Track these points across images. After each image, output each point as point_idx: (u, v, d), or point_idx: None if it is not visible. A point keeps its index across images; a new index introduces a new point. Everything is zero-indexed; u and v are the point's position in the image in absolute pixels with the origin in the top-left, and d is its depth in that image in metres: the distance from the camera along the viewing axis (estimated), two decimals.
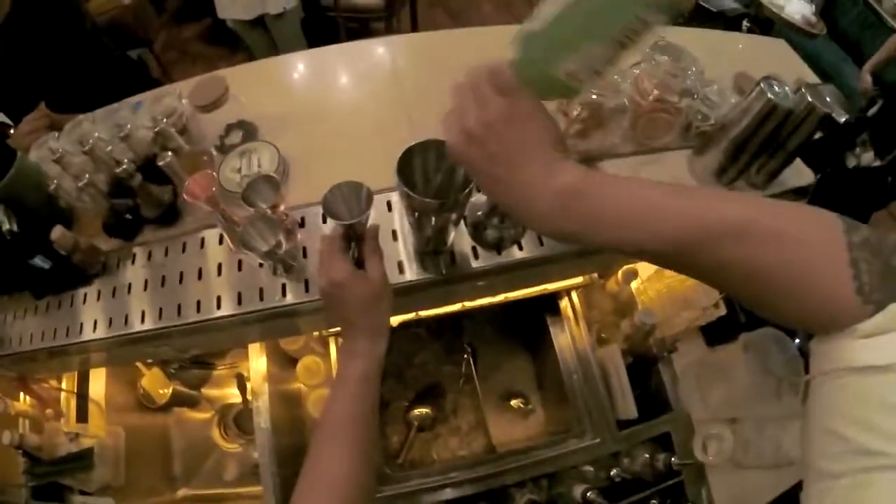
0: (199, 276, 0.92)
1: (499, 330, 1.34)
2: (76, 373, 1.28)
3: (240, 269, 0.92)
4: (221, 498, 1.32)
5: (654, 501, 1.10)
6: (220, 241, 0.95)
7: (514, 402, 1.28)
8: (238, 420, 1.29)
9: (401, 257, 0.90)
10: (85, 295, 0.97)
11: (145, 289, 0.94)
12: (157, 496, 1.29)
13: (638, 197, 0.45)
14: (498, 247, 0.92)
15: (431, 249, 0.90)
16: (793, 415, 1.12)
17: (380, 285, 0.67)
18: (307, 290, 0.88)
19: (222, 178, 0.96)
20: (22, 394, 1.22)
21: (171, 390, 1.32)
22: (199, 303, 0.90)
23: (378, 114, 1.10)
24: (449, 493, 1.07)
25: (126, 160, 0.92)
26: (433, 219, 0.76)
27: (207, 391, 1.43)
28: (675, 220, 0.43)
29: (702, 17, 2.44)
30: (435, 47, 1.28)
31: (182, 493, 1.35)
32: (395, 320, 1.17)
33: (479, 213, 0.91)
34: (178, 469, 1.38)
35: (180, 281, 0.93)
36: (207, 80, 0.99)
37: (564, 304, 1.23)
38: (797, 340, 1.12)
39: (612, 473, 1.11)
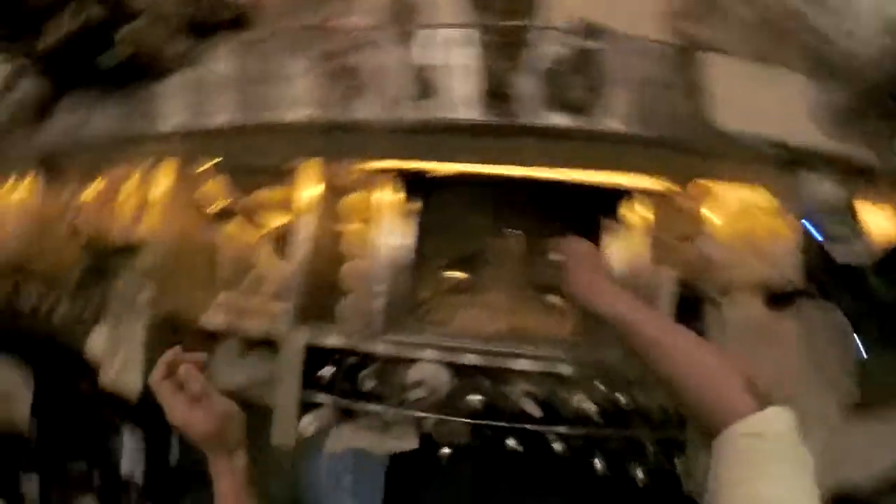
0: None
1: (552, 218, 1.29)
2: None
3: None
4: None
5: (651, 448, 1.09)
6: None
7: (551, 298, 1.27)
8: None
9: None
10: None
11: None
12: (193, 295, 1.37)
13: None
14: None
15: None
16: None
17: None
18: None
19: None
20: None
21: (228, 200, 1.39)
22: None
23: None
24: (452, 356, 1.11)
25: None
26: None
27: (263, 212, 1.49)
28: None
29: None
30: None
31: (221, 297, 1.46)
32: (454, 169, 1.16)
33: None
34: (221, 275, 1.49)
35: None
36: None
37: (628, 208, 1.17)
38: None
39: (621, 399, 1.08)
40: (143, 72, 1.00)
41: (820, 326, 1.05)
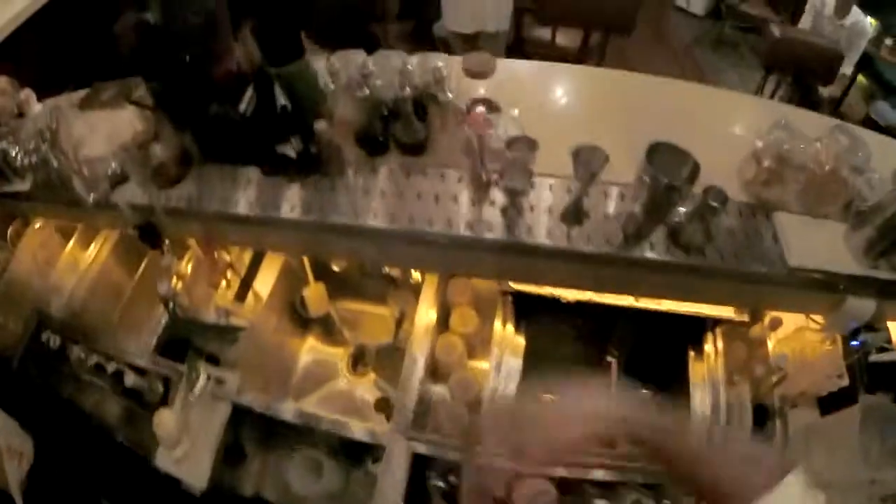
0: (436, 201, 1.08)
1: (644, 344, 1.42)
2: (248, 261, 1.45)
3: (473, 204, 1.07)
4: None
5: None
6: (459, 179, 1.11)
7: None
8: (379, 356, 1.40)
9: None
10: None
11: (383, 196, 1.12)
12: (266, 395, 1.36)
13: None
14: (687, 248, 1.06)
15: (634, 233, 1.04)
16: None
17: None
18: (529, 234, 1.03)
19: None
20: (187, 257, 1.40)
21: (326, 310, 1.45)
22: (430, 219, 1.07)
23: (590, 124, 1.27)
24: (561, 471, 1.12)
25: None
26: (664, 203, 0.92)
27: (347, 327, 1.55)
28: None
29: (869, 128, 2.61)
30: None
31: (289, 405, 1.44)
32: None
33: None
34: (295, 382, 1.48)
35: (418, 198, 1.10)
36: (481, 55, 1.20)
37: (709, 336, 1.33)
38: None
39: None
40: (317, 165, 1.15)
41: (872, 418, 1.16)
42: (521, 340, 1.30)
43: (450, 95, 1.15)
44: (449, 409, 1.23)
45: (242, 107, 1.12)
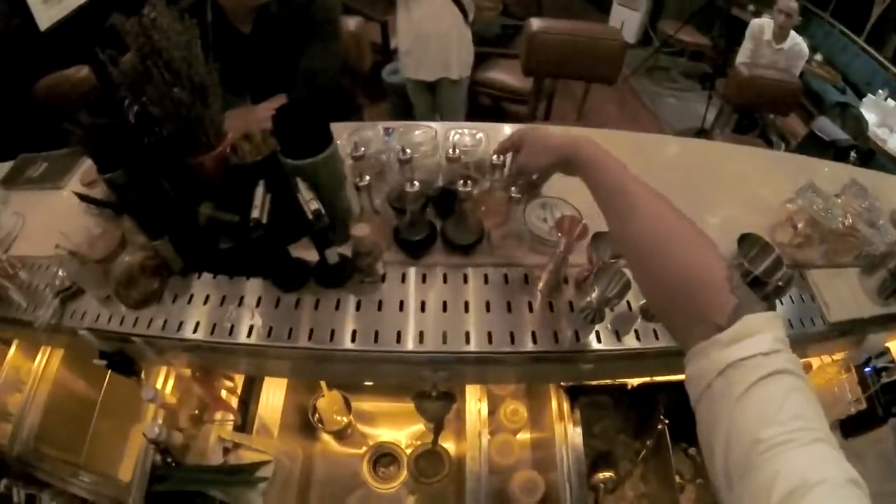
0: (509, 309, 0.94)
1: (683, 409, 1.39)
2: (243, 380, 1.19)
3: (551, 309, 0.95)
4: None
5: None
6: (526, 280, 0.97)
7: (676, 478, 1.33)
8: (419, 460, 1.23)
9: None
10: (337, 301, 0.97)
11: (423, 310, 0.95)
12: None
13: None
14: None
15: None
16: None
17: None
18: (619, 339, 0.94)
19: (528, 223, 1.01)
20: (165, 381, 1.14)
21: (349, 419, 1.25)
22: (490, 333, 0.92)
23: None
24: None
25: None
26: None
27: (359, 425, 1.36)
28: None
29: (814, 145, 2.83)
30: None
31: None
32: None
33: None
34: (313, 499, 1.28)
35: (465, 310, 0.95)
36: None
37: None
38: None
39: None
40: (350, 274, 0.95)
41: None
42: (578, 429, 1.21)
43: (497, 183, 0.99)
44: None
45: (256, 213, 0.88)
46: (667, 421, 1.31)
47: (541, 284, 0.96)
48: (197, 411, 1.14)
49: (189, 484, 1.04)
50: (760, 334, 0.48)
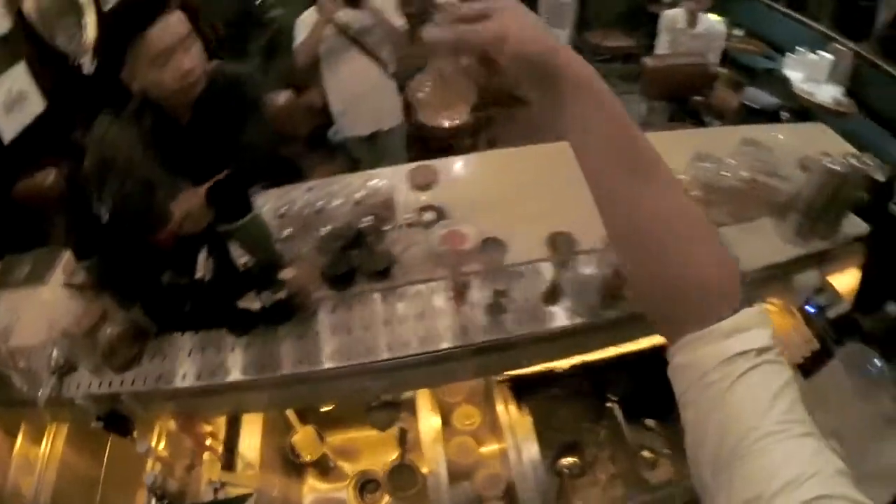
0: (421, 318, 1.10)
1: (627, 388, 1.47)
2: (224, 422, 1.35)
3: (458, 310, 1.09)
4: None
5: None
6: (434, 291, 1.13)
7: (644, 454, 1.39)
8: (392, 477, 1.34)
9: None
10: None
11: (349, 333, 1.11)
12: None
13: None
14: None
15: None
16: (891, 421, 1.25)
17: None
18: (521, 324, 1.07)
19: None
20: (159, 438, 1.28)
21: (322, 452, 1.38)
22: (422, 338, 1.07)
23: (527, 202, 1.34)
24: None
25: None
26: None
27: (340, 461, 1.49)
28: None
29: (746, 114, 2.93)
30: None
31: None
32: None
33: None
34: None
35: (401, 323, 1.11)
36: (424, 168, 1.25)
37: None
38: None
39: None
40: (290, 313, 1.11)
41: (852, 363, 1.28)
42: (528, 419, 1.31)
43: (407, 216, 1.18)
44: None
45: (200, 273, 1.07)
46: (615, 398, 1.40)
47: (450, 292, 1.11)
48: (189, 461, 1.29)
49: None
50: (758, 329, 0.48)
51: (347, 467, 1.51)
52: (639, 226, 0.53)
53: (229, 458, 1.30)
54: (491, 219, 1.22)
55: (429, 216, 1.27)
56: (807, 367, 1.39)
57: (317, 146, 3.12)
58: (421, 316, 1.10)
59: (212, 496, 1.25)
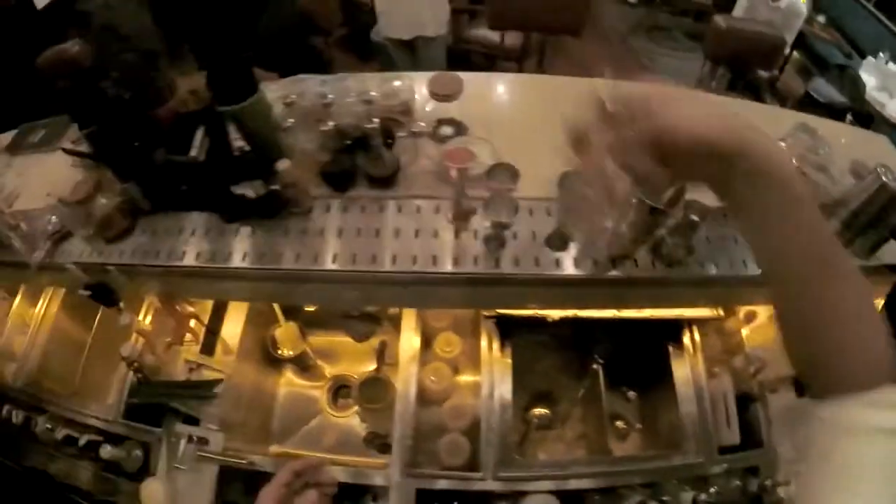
0: (416, 236, 1.05)
1: (624, 349, 1.45)
2: (210, 307, 1.37)
3: (457, 236, 1.05)
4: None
5: None
6: (437, 211, 1.07)
7: (618, 423, 1.38)
8: (364, 388, 1.35)
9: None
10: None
11: (340, 236, 1.08)
12: (249, 444, 1.32)
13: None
14: (669, 262, 1.08)
15: (621, 254, 1.04)
16: None
17: None
18: (517, 265, 1.02)
19: None
20: (146, 313, 1.33)
21: (302, 349, 1.39)
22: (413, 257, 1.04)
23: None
24: (572, 484, 1.17)
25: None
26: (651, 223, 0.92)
27: (319, 361, 1.50)
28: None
29: (808, 105, 2.72)
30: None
31: (274, 448, 1.40)
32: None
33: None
34: (275, 425, 1.43)
35: (396, 236, 1.07)
36: (446, 76, 1.15)
37: (687, 334, 1.37)
38: None
39: (709, 492, 1.20)
40: (282, 207, 1.08)
41: None
42: (507, 360, 1.29)
43: (422, 125, 1.10)
44: (450, 439, 1.21)
45: (194, 152, 1.03)
46: (601, 361, 1.37)
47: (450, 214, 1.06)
48: (170, 339, 1.32)
49: (154, 397, 1.22)
50: None
51: (327, 369, 1.54)
52: (815, 324, 0.52)
53: (210, 342, 1.33)
54: (510, 144, 1.14)
55: (446, 130, 1.19)
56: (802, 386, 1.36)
57: (357, 46, 2.97)
58: (416, 234, 1.06)
59: (186, 376, 1.29)
